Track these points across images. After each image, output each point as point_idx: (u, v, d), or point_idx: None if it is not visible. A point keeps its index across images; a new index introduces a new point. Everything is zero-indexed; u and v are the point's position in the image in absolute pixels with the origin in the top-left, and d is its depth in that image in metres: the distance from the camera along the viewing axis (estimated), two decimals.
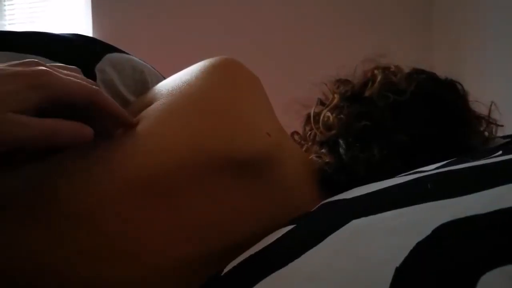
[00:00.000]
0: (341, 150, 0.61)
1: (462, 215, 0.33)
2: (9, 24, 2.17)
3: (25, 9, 2.16)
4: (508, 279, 0.27)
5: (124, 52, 0.64)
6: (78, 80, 0.44)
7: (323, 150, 0.63)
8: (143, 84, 0.62)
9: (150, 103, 0.53)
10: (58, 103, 0.42)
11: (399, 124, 0.62)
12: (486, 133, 0.69)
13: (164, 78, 0.61)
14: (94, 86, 0.45)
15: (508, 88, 1.30)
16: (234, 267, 0.43)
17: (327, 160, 0.61)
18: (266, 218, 0.51)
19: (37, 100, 0.41)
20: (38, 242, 0.43)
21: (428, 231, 0.32)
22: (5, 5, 2.15)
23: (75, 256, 0.44)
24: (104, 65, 0.57)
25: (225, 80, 0.54)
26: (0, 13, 2.16)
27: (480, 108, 0.69)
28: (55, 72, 0.42)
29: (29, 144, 0.41)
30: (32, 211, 0.44)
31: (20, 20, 2.18)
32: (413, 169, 0.48)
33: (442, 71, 0.71)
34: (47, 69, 0.42)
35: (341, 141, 0.62)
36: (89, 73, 0.55)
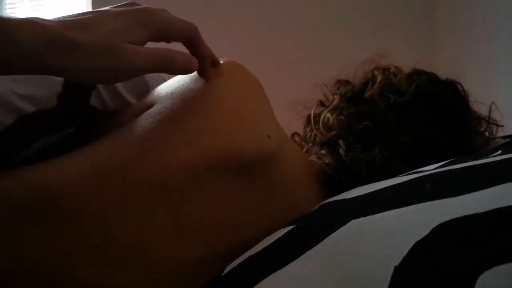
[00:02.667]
0: (341, 151, 0.61)
1: (461, 215, 0.33)
2: None
3: (26, 8, 2.16)
4: (507, 277, 0.27)
5: None
6: (178, 17, 0.49)
7: (323, 151, 0.63)
8: (143, 87, 0.62)
9: (150, 106, 0.53)
10: (159, 38, 0.47)
11: (399, 125, 0.62)
12: (487, 134, 0.69)
13: (165, 81, 0.61)
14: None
15: (510, 88, 1.30)
16: (234, 268, 0.43)
17: (327, 161, 0.61)
18: (267, 219, 0.51)
19: (146, 34, 0.46)
20: (39, 246, 0.43)
21: (426, 231, 0.32)
22: (5, 6, 2.16)
23: (78, 259, 0.44)
24: None
25: (225, 83, 0.54)
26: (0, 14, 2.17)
27: (481, 108, 0.69)
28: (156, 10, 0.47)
29: (148, 71, 0.47)
30: (33, 214, 0.44)
31: None
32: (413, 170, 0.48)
33: (445, 72, 0.71)
34: (150, 7, 0.47)
35: (341, 142, 0.62)
36: None
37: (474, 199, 0.34)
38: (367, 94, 0.66)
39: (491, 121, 0.69)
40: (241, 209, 0.51)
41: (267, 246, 0.43)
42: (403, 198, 0.38)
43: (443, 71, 0.71)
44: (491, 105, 0.69)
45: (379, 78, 0.67)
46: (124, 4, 0.48)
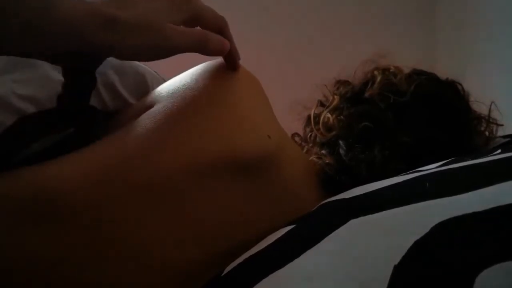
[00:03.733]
0: (341, 151, 0.61)
1: (460, 213, 0.33)
2: None
3: None
4: (506, 275, 0.27)
5: None
6: (210, 7, 0.51)
7: (323, 151, 0.63)
8: (144, 87, 0.62)
9: (150, 106, 0.53)
10: (192, 23, 0.50)
11: (399, 125, 0.62)
12: (487, 133, 0.69)
13: (165, 81, 0.61)
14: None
15: (510, 87, 1.30)
16: (234, 268, 0.43)
17: (327, 161, 0.61)
18: (267, 219, 0.51)
19: (184, 17, 0.48)
20: (39, 246, 0.43)
21: (426, 230, 0.32)
22: None
23: (78, 259, 0.44)
24: (105, 69, 0.57)
25: (225, 83, 0.54)
26: None
27: (480, 108, 0.69)
28: None
29: (185, 50, 0.47)
30: (33, 214, 0.44)
31: None
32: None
33: (445, 72, 0.71)
34: None
35: (341, 142, 0.62)
36: (90, 77, 0.55)
37: (473, 198, 0.34)
38: (367, 94, 0.66)
39: (491, 120, 0.69)
40: (241, 209, 0.51)
41: (267, 245, 0.43)
42: (402, 197, 0.39)
43: (443, 71, 0.71)
44: (490, 105, 0.69)
45: (379, 78, 0.67)
46: None
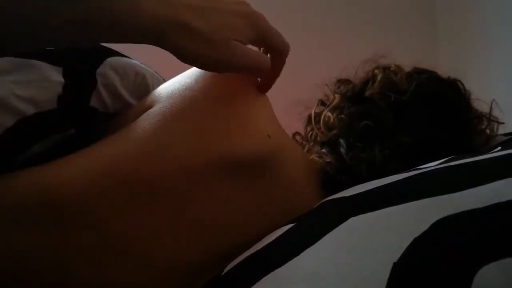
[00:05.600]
0: (342, 150, 0.61)
1: (460, 210, 0.33)
2: None
3: None
4: (504, 272, 0.27)
5: (124, 55, 0.64)
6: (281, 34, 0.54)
7: (324, 150, 0.63)
8: (144, 88, 0.62)
9: (150, 107, 0.53)
10: (259, 43, 0.52)
11: (399, 124, 0.62)
12: (488, 131, 0.68)
13: (165, 81, 0.61)
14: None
15: (511, 85, 1.30)
16: (234, 267, 0.43)
17: (328, 160, 0.61)
18: (267, 219, 0.51)
19: (254, 37, 0.50)
20: (40, 246, 0.44)
21: (425, 227, 0.32)
22: None
23: (79, 259, 0.44)
24: (105, 69, 0.57)
25: (225, 83, 0.54)
26: None
27: (481, 106, 0.69)
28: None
29: (243, 71, 0.50)
30: (34, 215, 0.44)
31: None
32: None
33: (446, 70, 0.70)
34: (260, 13, 0.52)
35: (342, 141, 0.62)
36: (90, 77, 0.55)
37: (473, 195, 0.34)
38: (367, 93, 0.66)
39: (491, 118, 0.68)
40: (241, 209, 0.51)
41: (267, 244, 0.43)
42: (401, 195, 0.38)
43: (444, 69, 0.71)
44: (491, 103, 0.68)
45: (379, 77, 0.67)
46: (240, 1, 0.51)
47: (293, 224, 0.45)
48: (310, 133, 0.70)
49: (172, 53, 0.47)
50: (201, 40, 0.45)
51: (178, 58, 0.47)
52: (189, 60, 0.47)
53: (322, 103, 0.72)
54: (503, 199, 0.32)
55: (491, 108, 0.68)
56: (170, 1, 0.45)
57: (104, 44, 0.59)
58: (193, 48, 0.45)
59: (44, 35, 0.40)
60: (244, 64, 0.49)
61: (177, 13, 0.44)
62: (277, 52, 0.54)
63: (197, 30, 0.45)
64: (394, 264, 0.31)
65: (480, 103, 0.69)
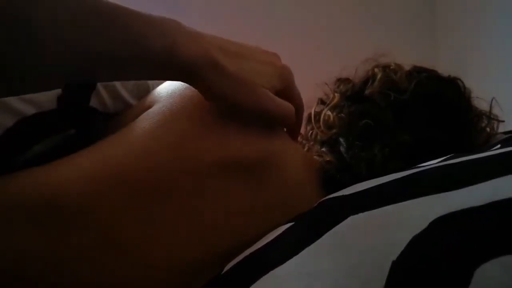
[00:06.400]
0: (342, 149, 0.61)
1: (458, 208, 0.33)
2: None
3: None
4: (504, 269, 0.27)
5: None
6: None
7: (323, 149, 0.63)
8: (144, 88, 0.62)
9: (150, 106, 0.53)
10: (282, 94, 0.54)
11: (400, 123, 0.62)
12: (488, 130, 0.68)
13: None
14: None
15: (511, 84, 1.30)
16: (234, 266, 0.44)
17: (327, 159, 0.61)
18: (268, 218, 0.51)
19: (277, 87, 0.53)
20: (41, 247, 0.44)
21: (424, 225, 0.32)
22: None
23: (79, 259, 0.44)
24: None
25: None
26: None
27: (481, 104, 0.69)
28: None
29: (271, 119, 0.52)
30: (34, 216, 0.44)
31: None
32: None
33: (446, 68, 0.70)
34: (289, 67, 0.55)
35: (341, 140, 0.62)
36: None
37: (472, 192, 0.34)
38: (367, 92, 0.66)
39: (492, 117, 0.68)
40: (241, 209, 0.51)
41: (267, 243, 0.44)
42: (401, 193, 0.39)
43: (444, 68, 0.71)
44: (491, 101, 0.68)
45: (379, 76, 0.67)
46: (272, 53, 0.55)
47: (292, 223, 0.45)
48: (310, 132, 0.70)
49: (201, 91, 0.49)
50: (230, 80, 0.47)
51: (207, 97, 0.49)
52: (218, 98, 0.49)
53: (322, 102, 0.72)
54: (502, 197, 0.32)
55: (491, 107, 0.68)
56: (203, 40, 0.46)
57: None
58: (223, 87, 0.47)
59: (75, 68, 0.40)
60: (271, 109, 0.51)
61: (210, 52, 0.46)
62: (297, 107, 0.57)
63: (227, 70, 0.47)
64: (393, 262, 0.31)
65: (480, 102, 0.69)
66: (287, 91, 0.55)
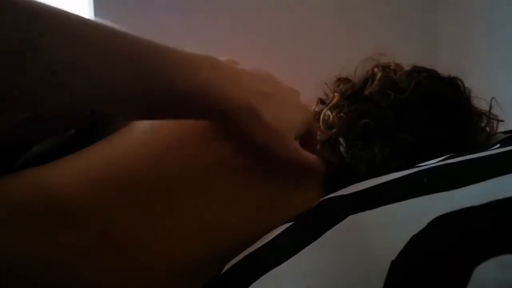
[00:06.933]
0: (342, 149, 0.61)
1: (457, 208, 0.33)
2: None
3: None
4: (503, 269, 0.27)
5: None
6: None
7: (323, 149, 0.63)
8: None
9: None
10: (303, 138, 0.55)
11: (399, 122, 0.62)
12: (488, 129, 0.68)
13: None
14: None
15: (510, 83, 1.30)
16: (233, 266, 0.44)
17: (328, 159, 0.61)
18: (268, 218, 0.51)
19: (302, 132, 0.53)
20: (41, 247, 0.44)
21: (423, 224, 0.32)
22: None
23: (79, 259, 0.44)
24: None
25: None
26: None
27: (481, 104, 0.69)
28: None
29: (298, 163, 0.52)
30: (34, 216, 0.44)
31: None
32: None
33: (447, 69, 0.70)
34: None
35: (341, 140, 0.62)
36: None
37: (471, 192, 0.34)
38: (367, 92, 0.66)
39: (491, 116, 0.68)
40: (242, 209, 0.51)
41: (266, 243, 0.44)
42: (400, 193, 0.39)
43: (444, 67, 0.71)
44: (491, 101, 0.68)
45: (379, 75, 0.67)
46: (295, 91, 0.57)
47: (292, 223, 0.45)
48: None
49: (231, 134, 0.49)
50: (264, 129, 0.48)
51: (236, 140, 0.49)
52: (248, 144, 0.49)
53: (321, 102, 0.72)
54: (501, 196, 0.32)
55: (490, 106, 0.68)
56: (241, 83, 0.47)
57: None
58: (256, 136, 0.48)
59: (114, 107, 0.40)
60: (295, 161, 0.51)
61: (249, 99, 0.46)
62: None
63: (264, 119, 0.47)
64: (392, 262, 0.31)
65: (480, 101, 0.69)
66: (308, 133, 0.56)
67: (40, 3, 0.35)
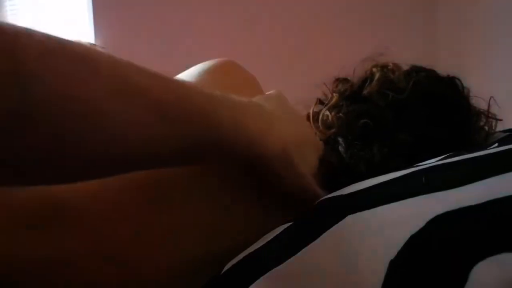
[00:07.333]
0: (341, 149, 0.61)
1: (456, 207, 0.33)
2: None
3: (27, 13, 2.16)
4: (500, 267, 0.27)
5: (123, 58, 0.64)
6: None
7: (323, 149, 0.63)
8: None
9: None
10: None
11: (398, 122, 0.62)
12: (486, 128, 0.68)
13: None
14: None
15: (510, 82, 1.30)
16: (233, 266, 0.44)
17: (327, 159, 0.61)
18: (268, 218, 0.51)
19: (315, 162, 0.54)
20: (43, 250, 0.44)
21: (421, 224, 0.33)
22: (7, 11, 2.17)
23: (80, 261, 0.44)
24: None
25: (222, 83, 0.55)
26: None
27: (480, 103, 0.69)
28: None
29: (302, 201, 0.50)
30: (36, 219, 0.44)
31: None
32: None
33: (445, 68, 0.71)
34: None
35: (340, 140, 0.62)
36: None
37: (469, 191, 0.34)
38: (365, 92, 0.66)
39: (490, 115, 0.68)
40: (241, 210, 0.51)
41: (266, 243, 0.44)
42: (398, 192, 0.39)
43: (443, 67, 0.71)
44: (489, 100, 0.68)
45: (377, 76, 0.67)
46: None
47: (291, 223, 0.45)
48: None
49: (260, 178, 0.49)
50: (297, 177, 0.50)
51: (266, 185, 0.50)
52: (276, 189, 0.50)
53: (320, 102, 0.72)
54: (499, 196, 0.32)
55: (489, 105, 0.68)
56: (279, 131, 0.47)
57: (101, 46, 0.59)
58: (287, 184, 0.49)
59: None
60: (307, 195, 0.51)
61: (287, 150, 0.47)
62: None
63: (298, 169, 0.49)
64: (391, 261, 0.31)
65: (478, 100, 0.69)
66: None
67: None
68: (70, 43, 0.33)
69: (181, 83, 0.41)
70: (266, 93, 0.54)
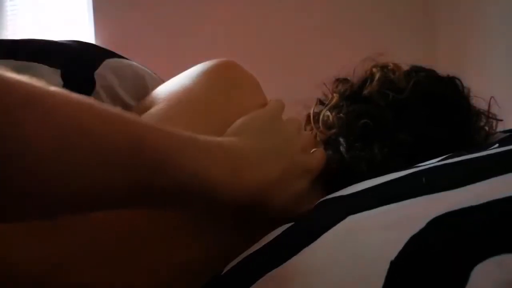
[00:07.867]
0: (342, 149, 0.61)
1: (456, 208, 0.33)
2: (11, 34, 2.17)
3: (28, 13, 2.16)
4: (501, 268, 0.27)
5: (124, 57, 0.65)
6: None
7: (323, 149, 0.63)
8: (144, 89, 0.62)
9: (148, 108, 0.53)
10: None
11: (398, 122, 0.62)
12: (487, 128, 0.68)
13: (164, 82, 0.61)
14: None
15: (510, 82, 1.30)
16: (233, 266, 0.44)
17: (327, 159, 0.61)
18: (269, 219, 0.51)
19: (305, 185, 0.51)
20: (42, 251, 0.44)
21: (422, 224, 0.33)
22: (7, 11, 2.17)
23: (79, 263, 0.44)
24: (104, 71, 0.57)
25: (223, 83, 0.54)
26: (2, 24, 2.17)
27: (480, 103, 0.69)
28: None
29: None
30: (36, 221, 0.44)
31: (22, 27, 2.18)
32: None
33: (445, 68, 0.71)
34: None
35: (341, 140, 0.62)
36: (88, 79, 0.55)
37: (469, 192, 0.34)
38: (365, 92, 0.66)
39: (490, 116, 0.68)
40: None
41: (266, 243, 0.44)
42: (399, 193, 0.39)
43: (443, 67, 0.71)
44: (490, 100, 0.68)
45: (377, 76, 0.67)
46: (306, 144, 0.55)
47: (292, 223, 0.45)
48: (310, 132, 0.70)
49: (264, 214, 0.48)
50: (290, 202, 0.49)
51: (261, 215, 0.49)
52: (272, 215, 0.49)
53: (321, 102, 0.72)
54: (500, 196, 0.32)
55: (489, 105, 0.68)
56: (248, 168, 0.45)
57: (102, 46, 0.60)
58: (281, 210, 0.48)
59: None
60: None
61: (261, 187, 0.46)
62: None
63: (277, 202, 0.48)
64: (392, 262, 0.31)
65: (479, 100, 0.69)
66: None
67: None
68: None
69: (140, 126, 0.38)
70: (251, 113, 0.52)
